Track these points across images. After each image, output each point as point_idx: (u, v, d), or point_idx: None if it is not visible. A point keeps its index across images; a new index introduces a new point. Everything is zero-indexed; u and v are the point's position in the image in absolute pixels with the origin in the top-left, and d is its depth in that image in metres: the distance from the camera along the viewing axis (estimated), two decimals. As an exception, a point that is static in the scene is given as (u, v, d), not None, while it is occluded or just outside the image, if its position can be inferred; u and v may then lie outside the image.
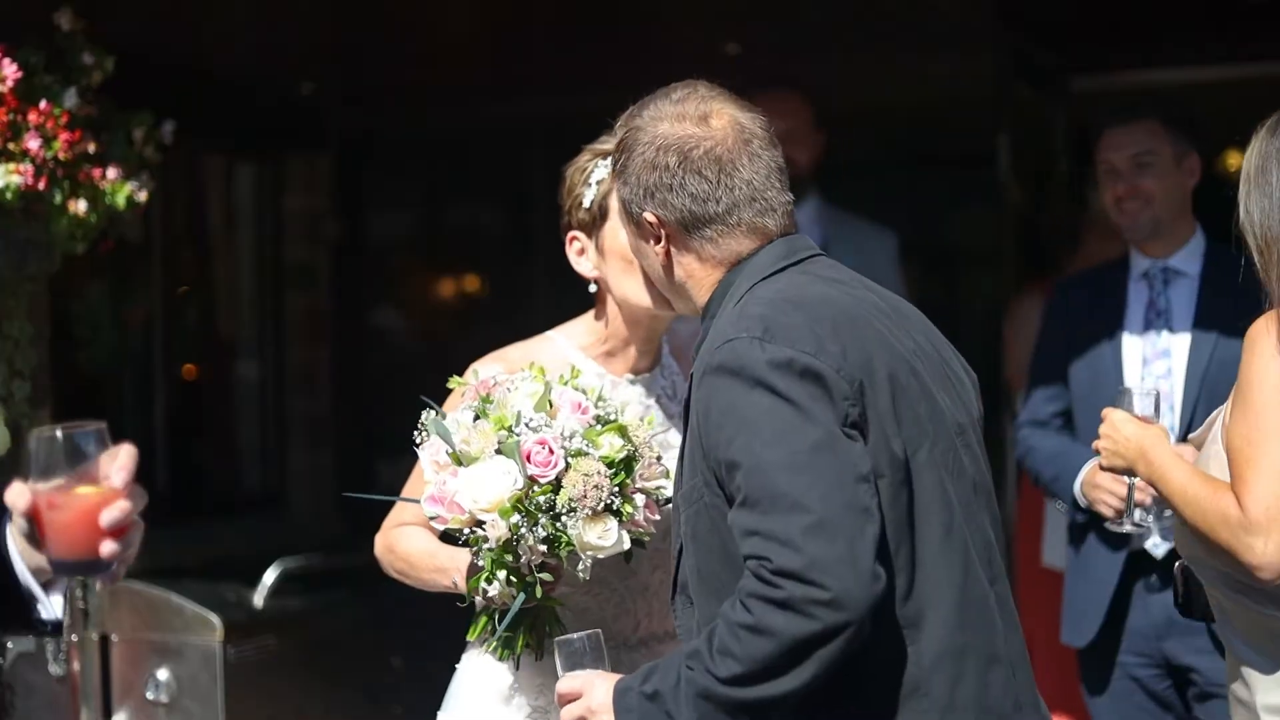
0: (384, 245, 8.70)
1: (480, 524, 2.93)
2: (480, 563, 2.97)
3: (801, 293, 2.67)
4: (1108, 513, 4.06)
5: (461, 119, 7.78)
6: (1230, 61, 6.59)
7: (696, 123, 2.76)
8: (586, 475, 2.91)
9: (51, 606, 2.05)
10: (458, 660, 3.32)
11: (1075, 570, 4.50)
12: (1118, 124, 4.53)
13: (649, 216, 2.78)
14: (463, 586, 3.11)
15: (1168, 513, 3.89)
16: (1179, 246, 4.46)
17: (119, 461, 2.02)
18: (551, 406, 2.98)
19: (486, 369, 3.16)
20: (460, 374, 3.21)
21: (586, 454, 2.94)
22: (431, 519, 3.02)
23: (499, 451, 2.93)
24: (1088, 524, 4.40)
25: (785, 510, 2.44)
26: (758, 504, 2.47)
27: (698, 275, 2.79)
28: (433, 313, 8.70)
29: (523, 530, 2.90)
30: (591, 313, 3.38)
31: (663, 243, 2.79)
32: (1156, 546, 4.31)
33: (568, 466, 2.92)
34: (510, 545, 2.92)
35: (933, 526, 2.60)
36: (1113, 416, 3.43)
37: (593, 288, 3.32)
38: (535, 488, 2.91)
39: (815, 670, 2.44)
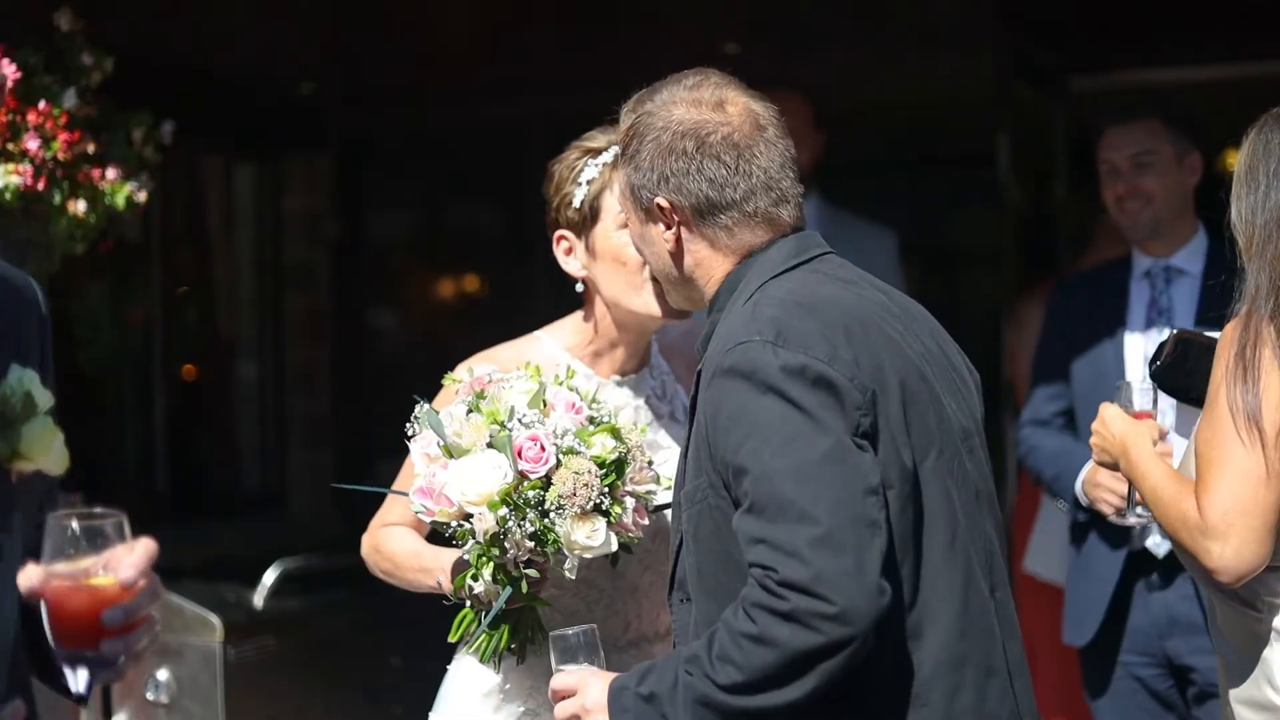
0: (384, 245, 8.70)
1: (468, 517, 2.92)
2: (467, 557, 2.96)
3: (814, 295, 2.64)
4: (1108, 510, 4.06)
5: (461, 119, 7.78)
6: (1230, 61, 6.59)
7: (712, 109, 2.73)
8: (577, 473, 2.90)
9: (77, 680, 1.96)
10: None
11: (1077, 569, 4.50)
12: (1118, 123, 4.53)
13: (661, 202, 2.73)
14: (447, 586, 3.10)
15: (1145, 511, 3.90)
16: (1181, 245, 4.45)
17: (133, 557, 1.95)
18: (546, 405, 2.98)
19: (477, 369, 3.16)
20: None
21: (578, 452, 2.93)
22: (418, 512, 3.00)
23: (490, 445, 2.92)
24: (1089, 523, 4.39)
25: (793, 520, 2.42)
26: (764, 511, 2.45)
27: (707, 264, 2.76)
28: (432, 313, 8.70)
29: (510, 524, 2.89)
30: (578, 314, 3.34)
31: (673, 230, 2.75)
32: (1158, 545, 4.30)
33: (559, 463, 2.91)
34: (497, 539, 2.91)
35: (936, 537, 2.58)
36: (1105, 411, 3.43)
37: (580, 287, 3.29)
38: (525, 483, 2.90)
39: (817, 682, 2.42)
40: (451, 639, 3.17)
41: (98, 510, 1.94)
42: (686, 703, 2.49)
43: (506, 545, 2.91)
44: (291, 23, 6.56)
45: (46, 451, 2.04)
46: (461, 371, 3.17)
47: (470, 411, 2.97)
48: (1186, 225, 4.46)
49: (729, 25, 6.53)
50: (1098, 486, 4.09)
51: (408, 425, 3.04)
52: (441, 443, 2.96)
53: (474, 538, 2.92)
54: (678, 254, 2.77)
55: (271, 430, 7.83)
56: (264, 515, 7.55)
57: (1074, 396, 4.53)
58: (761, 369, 2.51)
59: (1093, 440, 3.43)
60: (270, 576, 5.64)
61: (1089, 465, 4.17)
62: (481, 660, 3.12)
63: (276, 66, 7.22)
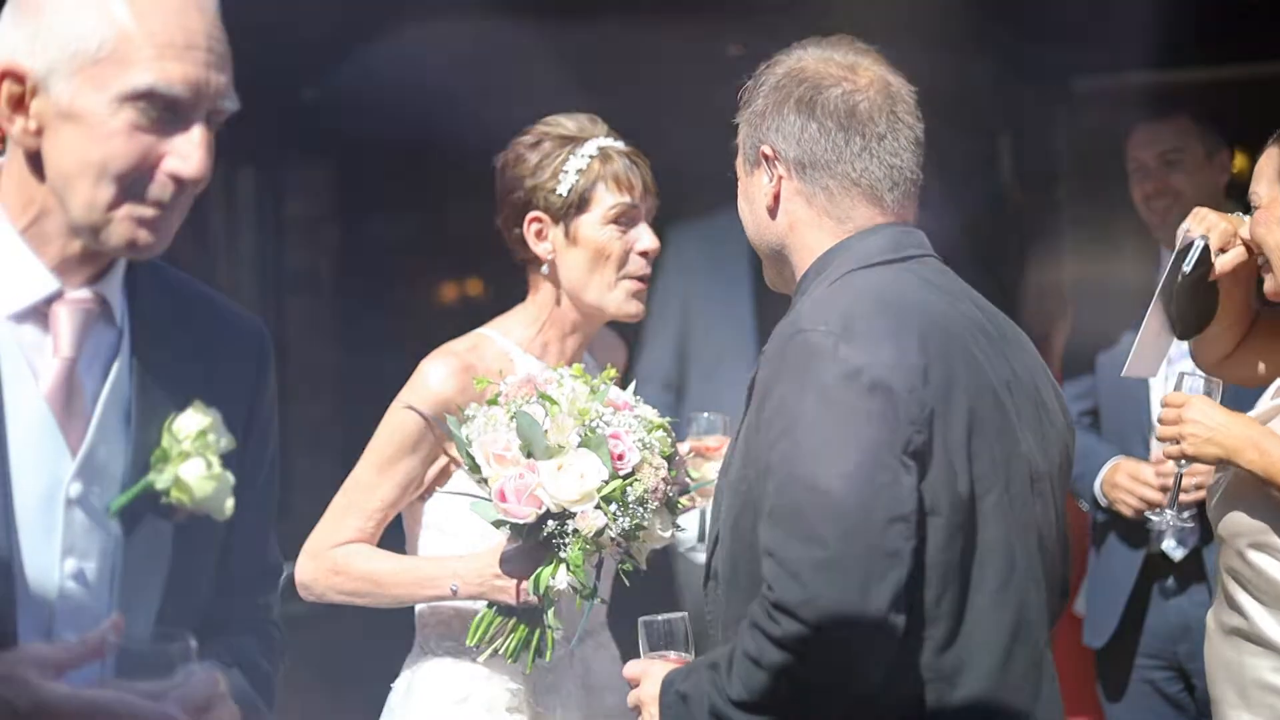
0: (385, 249, 8.69)
1: (561, 516, 2.92)
2: (564, 555, 2.94)
3: (901, 295, 2.49)
4: (1127, 512, 4.05)
5: (462, 121, 7.77)
6: (1231, 61, 6.59)
7: (841, 68, 2.62)
8: (656, 469, 2.93)
9: None
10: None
11: (1096, 571, 4.48)
12: (1147, 121, 4.49)
13: (766, 149, 2.60)
14: (467, 591, 3.08)
15: (1186, 514, 3.86)
16: (1210, 244, 4.42)
17: (181, 690, 1.83)
18: (605, 402, 2.99)
19: (437, 366, 3.18)
20: (409, 373, 3.23)
21: (652, 447, 2.95)
22: (497, 522, 2.96)
23: (581, 445, 2.92)
24: (1108, 524, 4.37)
25: (802, 538, 2.28)
26: (780, 522, 2.32)
27: (801, 229, 2.59)
28: (435, 316, 8.69)
29: (619, 519, 2.90)
30: (524, 307, 3.34)
31: (774, 181, 2.60)
32: (1174, 549, 4.27)
33: (642, 460, 2.93)
34: (598, 536, 2.92)
35: (988, 578, 2.41)
36: (1198, 403, 3.21)
37: (544, 269, 3.28)
38: (618, 480, 2.92)
39: (815, 710, 2.32)
40: (470, 642, 3.14)
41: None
42: (707, 710, 2.42)
43: (603, 541, 2.92)
44: (291, 24, 6.55)
45: (205, 493, 2.01)
46: (427, 371, 3.16)
47: (546, 415, 2.96)
48: (1217, 224, 4.41)
49: (730, 26, 6.52)
50: (1116, 487, 4.07)
51: (465, 427, 3.02)
52: (520, 443, 2.94)
53: (573, 536, 2.92)
54: (774, 210, 2.61)
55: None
56: (266, 520, 7.53)
57: (1098, 396, 4.49)
58: (815, 364, 2.35)
59: (1187, 431, 3.20)
60: (274, 581, 5.62)
61: (1109, 465, 4.16)
62: (511, 659, 3.11)
63: (277, 71, 7.21)
